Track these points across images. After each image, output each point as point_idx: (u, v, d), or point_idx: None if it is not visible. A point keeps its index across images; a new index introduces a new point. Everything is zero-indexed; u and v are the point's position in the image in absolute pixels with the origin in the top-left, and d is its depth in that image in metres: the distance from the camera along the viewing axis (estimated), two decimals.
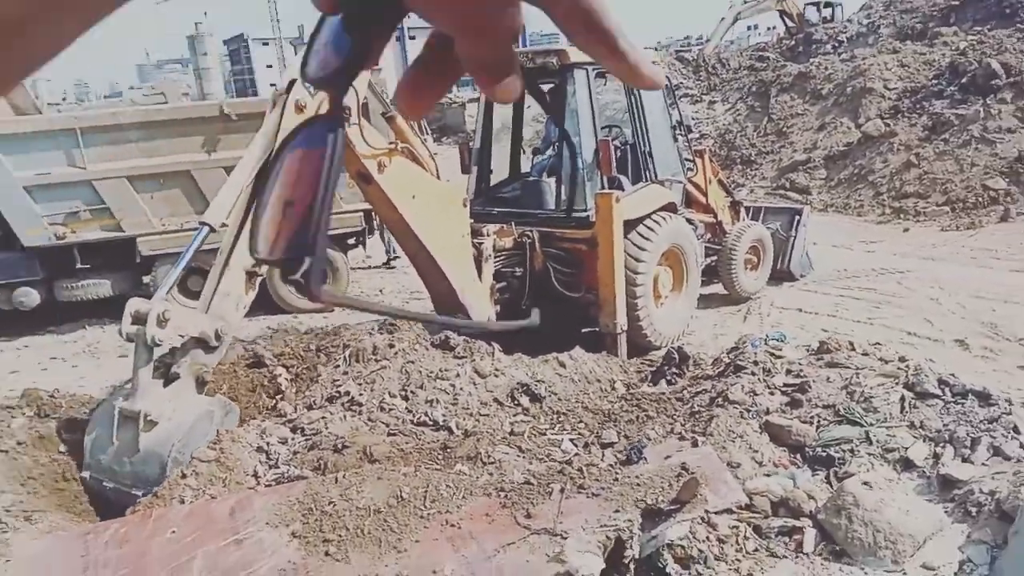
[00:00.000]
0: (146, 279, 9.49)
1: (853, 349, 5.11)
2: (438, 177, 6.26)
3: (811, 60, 20.92)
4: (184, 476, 3.79)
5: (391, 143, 5.73)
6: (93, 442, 4.35)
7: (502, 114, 8.39)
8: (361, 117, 5.33)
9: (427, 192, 5.99)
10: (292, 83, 4.83)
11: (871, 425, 4.28)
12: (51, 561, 3.41)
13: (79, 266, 9.12)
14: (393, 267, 11.87)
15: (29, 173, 8.63)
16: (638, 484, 3.62)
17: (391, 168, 5.58)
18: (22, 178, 8.60)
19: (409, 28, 73.99)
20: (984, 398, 4.48)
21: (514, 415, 4.61)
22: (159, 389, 4.19)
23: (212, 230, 4.51)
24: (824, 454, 4.16)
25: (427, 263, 6.22)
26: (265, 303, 8.84)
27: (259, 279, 4.66)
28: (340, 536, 3.36)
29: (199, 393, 4.37)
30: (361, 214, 9.64)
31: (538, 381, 4.95)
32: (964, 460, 4.01)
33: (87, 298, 9.22)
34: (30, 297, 8.97)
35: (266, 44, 74.93)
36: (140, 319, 4.08)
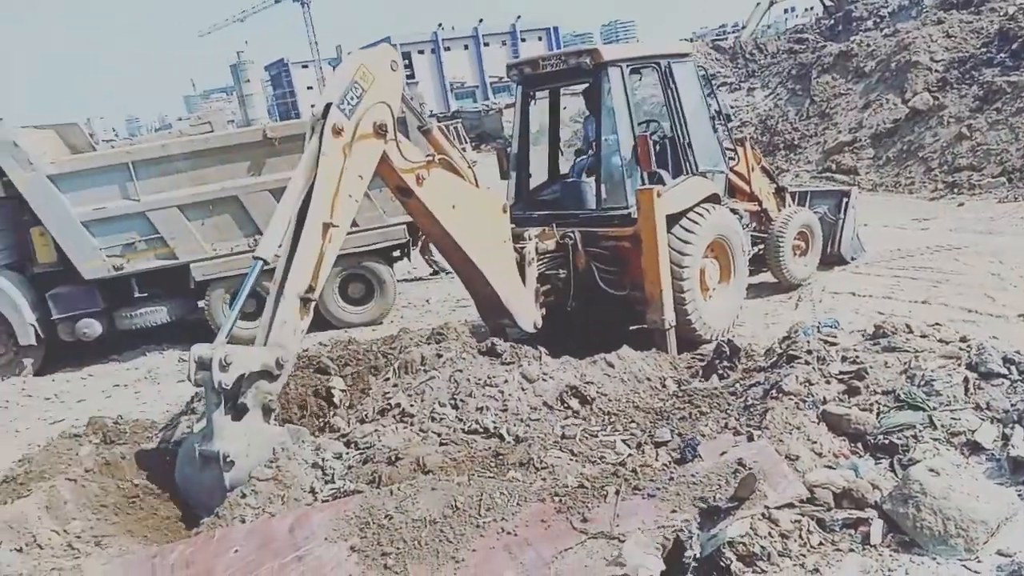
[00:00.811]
0: (200, 303, 9.75)
1: (911, 331, 4.94)
2: (477, 185, 6.29)
3: (852, 38, 20.41)
4: (244, 495, 3.87)
5: (428, 156, 5.79)
6: (185, 481, 4.55)
7: (539, 117, 8.38)
8: (398, 132, 5.40)
9: (467, 201, 6.04)
10: (328, 107, 4.91)
11: (934, 409, 4.13)
12: None
13: (137, 295, 9.44)
14: (439, 277, 11.98)
15: (86, 208, 8.97)
16: (694, 483, 3.57)
17: (430, 180, 5.65)
18: (80, 213, 8.95)
19: (483, 36, 74.79)
20: None
21: (564, 418, 4.58)
22: (232, 426, 4.32)
23: (266, 263, 4.65)
24: (886, 441, 4.03)
25: (470, 271, 6.26)
26: (316, 320, 8.99)
27: (313, 304, 4.76)
28: (398, 549, 3.39)
29: (267, 422, 4.50)
30: (404, 227, 9.76)
31: (587, 383, 4.91)
32: None
33: (146, 325, 9.53)
34: (92, 328, 9.31)
35: (305, 67, 76.74)
36: (204, 364, 4.22)
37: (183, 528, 4.27)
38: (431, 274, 12.37)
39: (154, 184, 9.08)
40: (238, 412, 4.36)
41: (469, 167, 6.31)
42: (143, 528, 4.23)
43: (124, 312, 9.48)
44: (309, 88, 75.79)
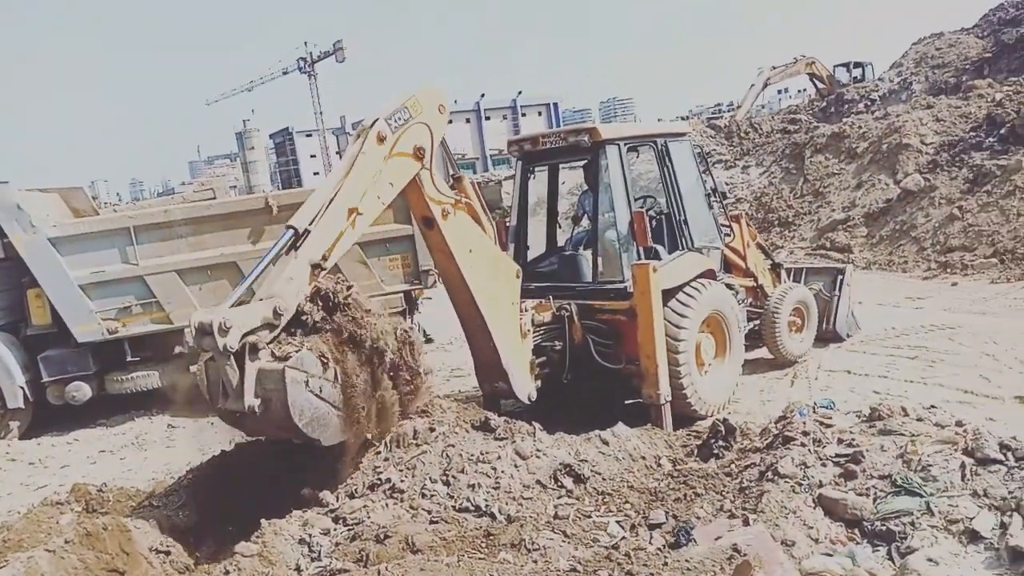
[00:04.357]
0: (192, 368, 9.68)
1: (906, 414, 4.92)
2: (495, 243, 6.44)
3: (844, 120, 20.99)
4: (227, 572, 3.77)
5: (456, 197, 5.99)
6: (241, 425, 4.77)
7: (537, 189, 8.51)
8: (432, 164, 5.61)
9: (484, 251, 6.24)
10: (376, 120, 5.27)
11: (931, 495, 4.08)
12: None
13: (129, 359, 9.38)
14: (432, 341, 11.98)
15: (84, 272, 9.00)
16: (688, 568, 3.49)
17: (454, 218, 5.90)
18: (77, 277, 8.98)
19: (485, 110, 76.36)
20: None
21: (558, 497, 4.50)
22: (247, 379, 4.43)
23: (296, 233, 4.77)
24: (883, 528, 3.96)
25: (476, 322, 6.29)
26: None
27: (320, 274, 4.82)
28: None
29: (251, 360, 4.48)
30: (402, 295, 9.79)
31: (581, 461, 4.84)
32: None
33: (136, 390, 9.44)
34: (82, 391, 9.22)
35: (309, 136, 78.28)
36: (206, 330, 4.30)
37: None
38: (424, 341, 12.33)
39: (154, 249, 9.14)
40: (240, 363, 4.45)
41: (491, 224, 6.47)
42: None
43: (115, 376, 9.40)
44: (312, 156, 77.29)
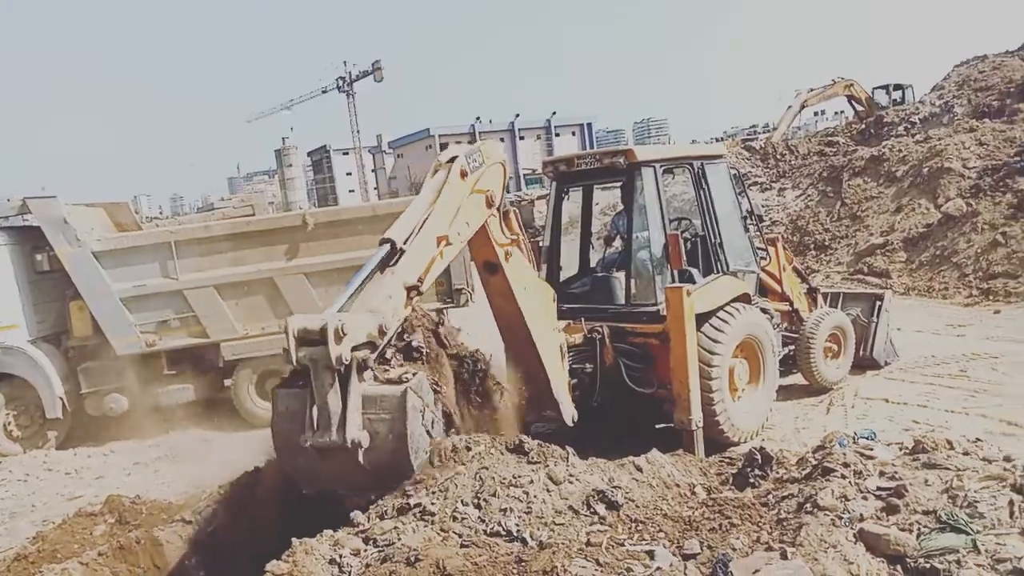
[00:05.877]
0: (227, 382, 9.80)
1: (952, 448, 4.77)
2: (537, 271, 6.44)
3: (883, 143, 20.66)
4: None
5: (512, 236, 5.92)
6: (307, 474, 4.13)
7: (570, 210, 8.50)
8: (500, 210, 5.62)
9: (535, 285, 6.20)
10: (455, 157, 5.14)
11: (978, 533, 3.93)
12: None
13: (166, 372, 9.52)
14: None
15: (127, 285, 9.19)
16: None
17: (513, 259, 5.81)
18: (120, 290, 9.17)
19: (519, 129, 76.84)
20: None
21: (590, 524, 4.43)
22: (350, 406, 3.89)
23: (394, 247, 4.40)
24: (928, 566, 3.82)
25: (529, 357, 6.22)
26: None
27: (416, 298, 4.50)
28: None
29: (360, 380, 3.97)
30: (434, 313, 9.82)
31: (614, 487, 4.76)
32: None
33: (172, 403, 9.57)
34: (119, 403, 9.39)
35: (346, 154, 79.45)
36: (310, 339, 3.70)
37: None
38: None
39: (194, 264, 9.31)
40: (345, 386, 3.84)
41: (531, 252, 6.45)
42: None
43: (152, 389, 9.55)
44: (348, 174, 78.46)
